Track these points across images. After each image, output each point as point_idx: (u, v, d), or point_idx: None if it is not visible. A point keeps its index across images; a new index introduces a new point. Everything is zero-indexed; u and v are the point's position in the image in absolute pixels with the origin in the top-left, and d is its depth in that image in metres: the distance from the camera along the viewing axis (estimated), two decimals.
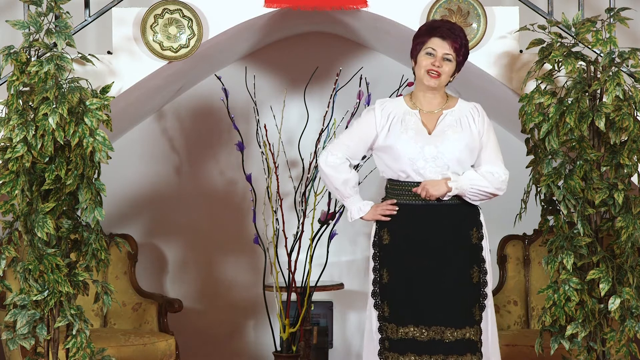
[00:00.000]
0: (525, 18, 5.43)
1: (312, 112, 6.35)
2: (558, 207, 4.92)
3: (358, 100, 6.02)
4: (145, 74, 5.27)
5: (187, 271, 6.65)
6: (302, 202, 6.09)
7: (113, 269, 6.09)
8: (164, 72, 5.39)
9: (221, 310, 6.64)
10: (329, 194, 5.99)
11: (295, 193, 6.23)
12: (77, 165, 4.67)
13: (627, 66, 4.94)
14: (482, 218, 4.50)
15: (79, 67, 5.07)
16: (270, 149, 6.12)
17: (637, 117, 4.85)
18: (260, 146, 6.09)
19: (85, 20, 5.26)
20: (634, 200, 4.79)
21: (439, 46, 4.43)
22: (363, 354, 4.55)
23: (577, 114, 4.80)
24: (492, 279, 4.52)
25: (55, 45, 4.76)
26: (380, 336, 4.45)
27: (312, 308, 6.21)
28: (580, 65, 4.94)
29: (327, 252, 6.17)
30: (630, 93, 4.81)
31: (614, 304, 4.77)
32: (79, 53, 4.90)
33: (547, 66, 5.08)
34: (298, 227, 6.12)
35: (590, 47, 4.95)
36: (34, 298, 4.69)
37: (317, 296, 6.36)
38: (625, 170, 4.81)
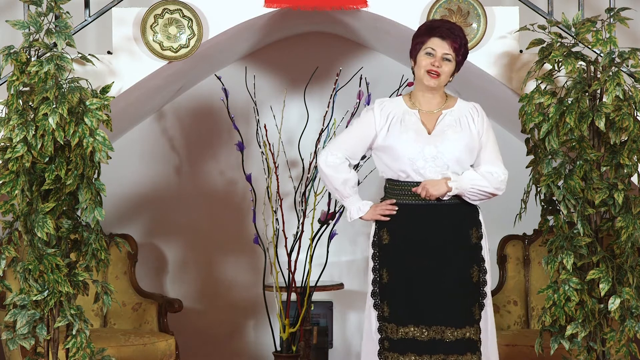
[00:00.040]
0: (525, 18, 5.43)
1: (312, 112, 6.35)
2: (558, 207, 4.92)
3: (358, 100, 6.02)
4: (145, 74, 5.27)
5: (187, 271, 6.65)
6: (302, 202, 6.09)
7: (113, 269, 6.09)
8: (164, 72, 5.39)
9: (221, 310, 6.64)
10: (329, 194, 5.99)
11: (295, 193, 6.23)
12: (77, 165, 4.67)
13: (627, 66, 4.94)
14: (481, 217, 4.51)
15: (79, 67, 5.07)
16: (270, 149, 6.12)
17: (637, 117, 4.85)
18: (260, 146, 6.09)
19: (85, 20, 5.26)
20: (634, 200, 4.79)
21: (439, 46, 4.43)
22: (362, 354, 4.55)
23: (577, 114, 4.80)
24: (491, 278, 4.52)
25: (55, 45, 4.76)
26: (379, 336, 4.45)
27: (312, 308, 6.21)
28: (580, 65, 4.94)
29: (327, 252, 6.17)
30: (630, 93, 4.81)
31: (614, 304, 4.77)
32: (79, 53, 4.90)
33: (547, 66, 5.08)
34: (298, 227, 6.12)
35: (590, 47, 4.95)
36: (34, 298, 4.69)
37: (317, 296, 6.36)
38: (625, 170, 4.81)
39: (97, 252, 4.77)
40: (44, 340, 4.83)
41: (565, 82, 4.93)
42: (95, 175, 4.75)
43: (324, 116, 6.06)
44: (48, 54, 4.73)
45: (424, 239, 4.42)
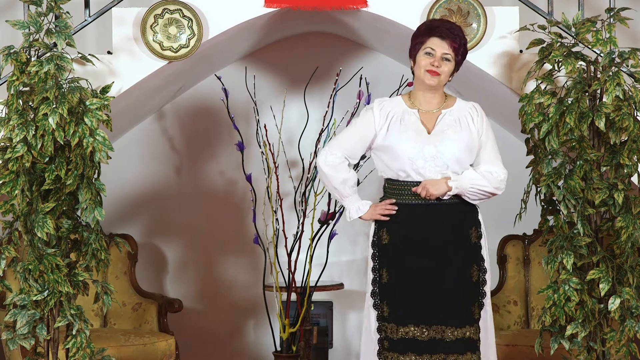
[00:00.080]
0: (525, 18, 5.43)
1: (312, 112, 6.35)
2: (558, 207, 4.92)
3: (358, 100, 6.02)
4: (145, 74, 5.27)
5: (187, 271, 6.65)
6: (302, 202, 6.09)
7: (113, 269, 6.09)
8: (164, 72, 5.39)
9: (221, 310, 6.64)
10: (329, 194, 5.99)
11: (295, 193, 6.23)
12: (77, 165, 4.67)
13: (627, 66, 4.94)
14: (480, 217, 4.51)
15: (79, 67, 5.07)
16: (270, 149, 6.12)
17: (637, 117, 4.85)
18: (260, 146, 6.09)
19: (85, 20, 5.26)
20: (634, 200, 4.79)
21: (438, 46, 4.43)
22: (361, 354, 4.54)
23: (577, 114, 4.80)
24: (490, 277, 4.52)
25: (55, 45, 4.76)
26: (378, 336, 4.45)
27: (312, 308, 6.20)
28: (580, 65, 4.94)
29: (327, 252, 6.17)
30: (630, 93, 4.81)
31: (614, 304, 4.77)
32: (79, 53, 4.90)
33: (547, 66, 5.08)
34: (298, 227, 6.12)
35: (590, 47, 4.95)
36: (34, 298, 4.69)
37: (317, 296, 6.36)
38: (625, 170, 4.81)
39: (97, 252, 4.77)
40: (44, 340, 4.83)
41: (565, 82, 4.93)
42: (95, 175, 4.75)
43: (324, 116, 6.06)
44: (48, 54, 4.73)
45: (424, 238, 4.42)
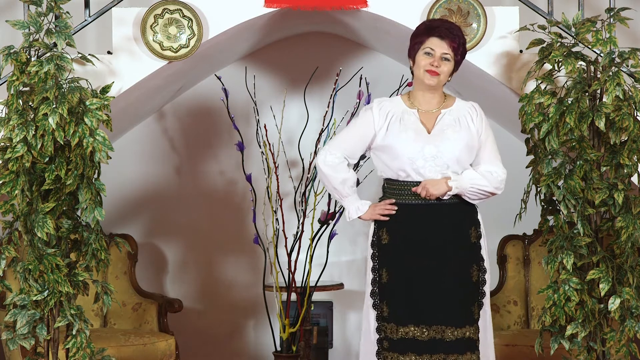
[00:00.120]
0: (525, 18, 5.43)
1: (312, 112, 6.35)
2: (558, 207, 4.92)
3: (358, 100, 6.02)
4: (145, 74, 5.27)
5: (187, 271, 6.65)
6: (302, 202, 6.09)
7: (113, 269, 6.09)
8: (164, 72, 5.39)
9: (221, 310, 6.64)
10: (329, 194, 5.99)
11: (295, 193, 6.23)
12: (77, 165, 4.67)
13: (627, 66, 4.94)
14: (479, 217, 4.51)
15: (79, 67, 5.07)
16: (270, 149, 6.12)
17: (637, 117, 4.85)
18: (260, 146, 6.09)
19: (85, 20, 5.26)
20: (634, 200, 4.79)
21: (438, 46, 4.42)
22: (360, 354, 4.54)
23: (577, 114, 4.80)
24: (490, 277, 4.52)
25: (55, 45, 4.76)
26: (378, 336, 4.44)
27: (312, 308, 6.20)
28: (580, 65, 4.94)
29: (327, 252, 6.17)
30: (630, 93, 4.81)
31: (614, 304, 4.77)
32: (79, 53, 4.90)
33: (547, 66, 5.08)
34: (298, 227, 6.12)
35: (590, 47, 4.95)
36: (34, 298, 4.69)
37: (317, 296, 6.36)
38: (625, 170, 4.81)
39: (97, 252, 4.77)
40: (44, 340, 4.83)
41: (565, 82, 4.93)
42: (95, 175, 4.75)
43: (324, 116, 6.06)
44: (48, 54, 4.73)
45: (424, 238, 4.42)
